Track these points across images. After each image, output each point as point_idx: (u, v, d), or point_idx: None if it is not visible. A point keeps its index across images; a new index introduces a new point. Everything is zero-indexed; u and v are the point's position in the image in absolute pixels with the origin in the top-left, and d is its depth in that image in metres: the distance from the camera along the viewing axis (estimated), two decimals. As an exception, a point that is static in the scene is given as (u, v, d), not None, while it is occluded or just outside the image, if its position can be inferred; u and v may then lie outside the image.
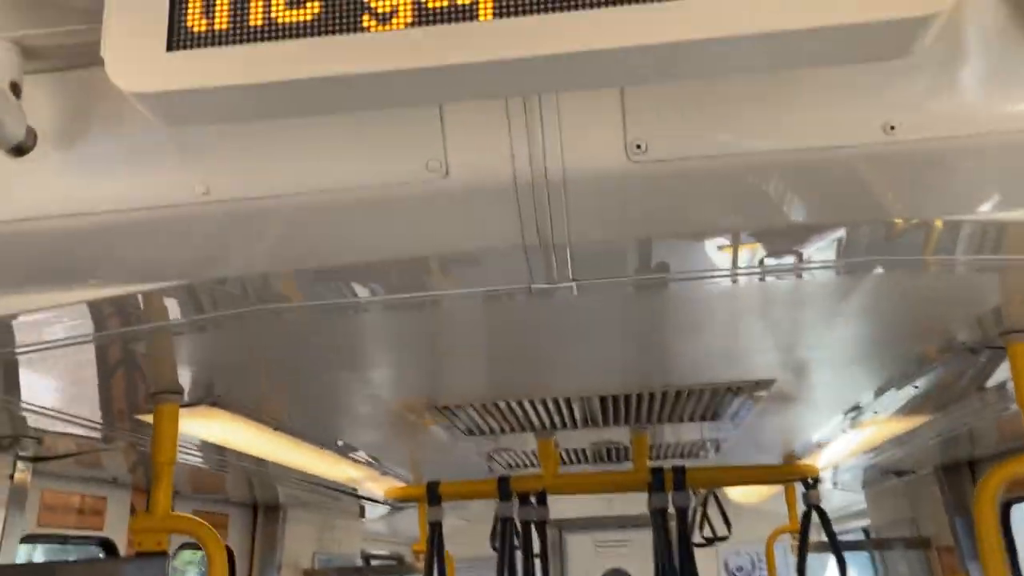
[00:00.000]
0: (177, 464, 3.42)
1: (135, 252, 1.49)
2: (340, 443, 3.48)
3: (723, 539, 5.87)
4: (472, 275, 1.65)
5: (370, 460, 3.94)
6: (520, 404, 3.08)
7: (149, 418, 2.54)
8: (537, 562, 3.70)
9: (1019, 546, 4.32)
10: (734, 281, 1.80)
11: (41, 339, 1.82)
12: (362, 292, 1.70)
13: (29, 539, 2.99)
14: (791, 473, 3.87)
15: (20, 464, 2.79)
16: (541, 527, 3.72)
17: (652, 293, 1.86)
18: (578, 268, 1.64)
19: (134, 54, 0.98)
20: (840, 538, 6.86)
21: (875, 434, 3.93)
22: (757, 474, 4.12)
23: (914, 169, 1.38)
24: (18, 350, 1.86)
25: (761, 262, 1.70)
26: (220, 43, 0.98)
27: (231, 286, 1.65)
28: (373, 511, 5.94)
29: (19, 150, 1.30)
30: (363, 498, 5.02)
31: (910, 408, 3.25)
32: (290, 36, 0.98)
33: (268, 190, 1.36)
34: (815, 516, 3.82)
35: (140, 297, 1.59)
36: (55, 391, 2.25)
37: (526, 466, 4.52)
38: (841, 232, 1.59)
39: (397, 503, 4.45)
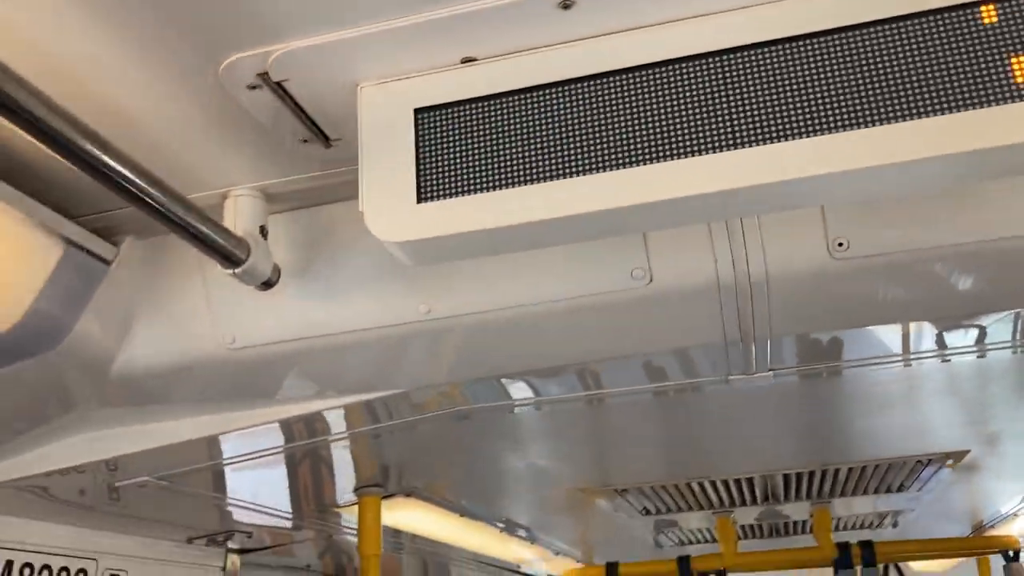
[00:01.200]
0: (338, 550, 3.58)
1: (358, 367, 1.62)
2: (516, 525, 3.54)
3: (911, 614, 5.55)
4: (676, 370, 1.70)
5: (540, 539, 3.98)
6: (697, 484, 3.08)
7: (344, 511, 2.70)
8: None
9: None
10: (907, 365, 1.80)
11: (245, 451, 1.97)
12: (556, 391, 1.78)
13: (239, 626, 3.17)
14: (989, 545, 3.65)
15: (231, 556, 2.98)
16: (727, 610, 3.65)
17: (828, 379, 1.87)
18: (775, 359, 1.67)
19: (389, 207, 1.10)
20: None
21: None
22: (951, 546, 3.91)
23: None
24: (228, 460, 2.02)
25: (942, 344, 1.69)
26: (462, 193, 1.09)
27: (434, 392, 1.76)
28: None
29: (267, 284, 1.45)
30: (534, 577, 5.05)
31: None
32: (516, 184, 1.08)
33: (483, 306, 1.46)
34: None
35: (344, 409, 1.72)
36: (260, 491, 2.42)
37: (698, 542, 4.45)
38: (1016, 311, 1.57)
39: None
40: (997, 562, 4.07)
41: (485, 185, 1.09)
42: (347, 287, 1.51)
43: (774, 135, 1.03)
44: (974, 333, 1.67)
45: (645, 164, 1.06)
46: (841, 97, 1.01)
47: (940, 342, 1.69)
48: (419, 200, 1.10)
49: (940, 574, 6.47)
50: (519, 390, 1.74)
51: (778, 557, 3.82)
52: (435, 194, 1.10)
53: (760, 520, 4.04)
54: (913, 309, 1.52)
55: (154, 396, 1.70)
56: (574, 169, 1.08)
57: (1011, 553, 3.50)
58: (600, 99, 1.09)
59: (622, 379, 1.74)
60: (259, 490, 2.42)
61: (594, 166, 1.07)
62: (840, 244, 1.38)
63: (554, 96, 1.10)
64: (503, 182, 1.08)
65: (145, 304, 1.59)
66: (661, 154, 1.06)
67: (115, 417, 1.77)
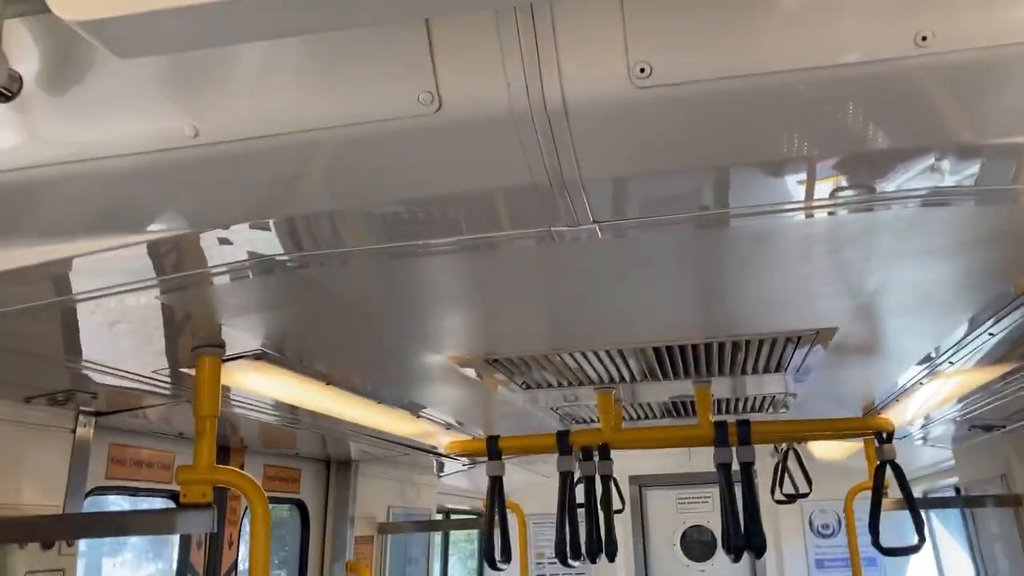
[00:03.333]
0: (247, 420, 3.49)
1: (130, 199, 1.47)
2: (406, 400, 3.48)
3: (804, 496, 5.73)
4: (484, 219, 1.58)
5: (438, 417, 3.94)
6: (580, 355, 3.01)
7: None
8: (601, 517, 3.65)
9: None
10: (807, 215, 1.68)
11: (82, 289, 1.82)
12: (373, 238, 1.65)
13: (97, 491, 3.09)
14: (862, 427, 3.70)
15: (82, 418, 2.86)
16: (605, 481, 3.67)
17: (691, 232, 1.76)
18: (596, 208, 1.55)
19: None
20: (932, 496, 6.61)
21: (958, 386, 3.72)
22: (826, 428, 3.96)
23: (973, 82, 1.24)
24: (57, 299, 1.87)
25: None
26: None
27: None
28: (451, 466, 5.99)
29: (4, 96, 1.28)
30: (435, 454, 5.06)
31: (996, 357, 3.05)
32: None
33: (253, 131, 1.31)
34: (891, 474, 3.65)
35: (147, 246, 1.57)
36: (107, 345, 2.28)
37: (594, 421, 4.46)
38: (921, 160, 1.46)
39: (462, 457, 4.45)
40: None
41: (182, -43, 0.92)
42: (106, 102, 1.34)
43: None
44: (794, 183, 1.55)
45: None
46: None
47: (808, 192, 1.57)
48: (108, -27, 0.93)
49: (840, 460, 6.67)
50: (314, 235, 1.60)
51: (658, 434, 3.83)
52: (127, -33, 0.93)
53: (650, 400, 4.04)
54: (731, 149, 1.40)
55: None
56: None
57: (884, 435, 3.55)
58: None
59: (433, 230, 1.61)
60: (103, 343, 2.28)
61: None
62: (642, 70, 1.25)
63: None
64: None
65: None
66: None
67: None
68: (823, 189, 1.55)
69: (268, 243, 1.66)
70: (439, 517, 6.87)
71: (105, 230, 1.55)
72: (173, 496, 3.58)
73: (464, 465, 6.04)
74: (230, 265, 1.75)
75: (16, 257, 1.54)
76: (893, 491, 4.36)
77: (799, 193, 1.55)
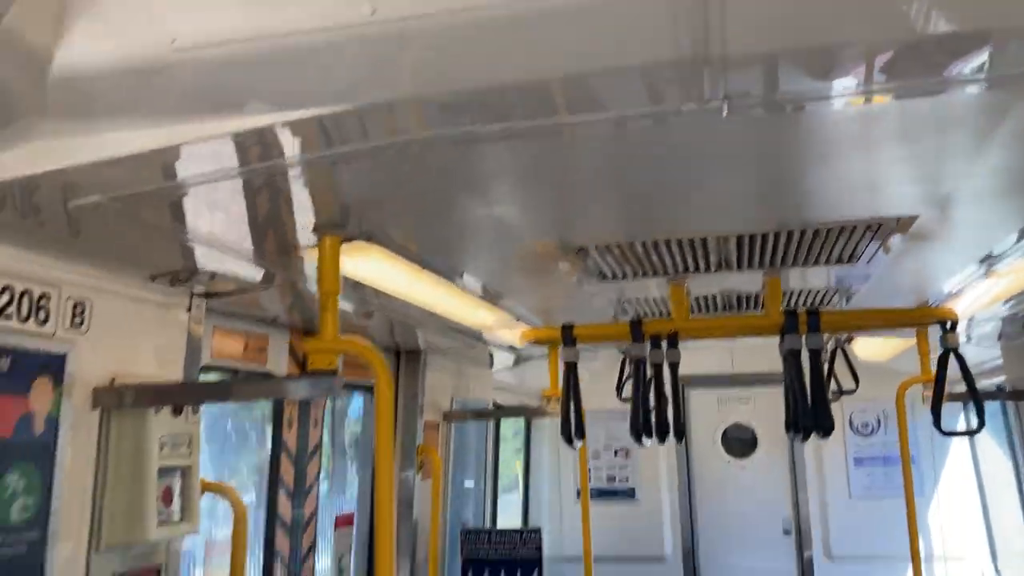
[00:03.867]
0: (304, 300, 3.66)
1: (306, 78, 1.59)
2: (485, 289, 3.63)
3: (850, 392, 5.91)
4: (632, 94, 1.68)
5: (505, 306, 4.10)
6: (654, 245, 3.13)
7: (307, 256, 2.74)
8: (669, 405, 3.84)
9: None
10: (868, 101, 1.77)
11: (199, 171, 1.95)
12: (490, 124, 1.76)
13: (205, 369, 3.30)
14: (929, 316, 3.82)
15: (195, 300, 3.05)
16: (673, 369, 3.84)
17: (786, 117, 1.86)
18: (733, 84, 1.65)
19: None
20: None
21: (1014, 282, 3.82)
22: (893, 317, 4.10)
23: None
24: (183, 183, 2.01)
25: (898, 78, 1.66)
26: None
27: (367, 117, 1.73)
28: (501, 360, 6.23)
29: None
30: (496, 345, 5.26)
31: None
32: None
33: (432, 6, 1.43)
34: (953, 362, 3.78)
35: (289, 128, 1.69)
36: (219, 226, 2.44)
37: (655, 315, 4.62)
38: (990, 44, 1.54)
39: (530, 347, 4.63)
40: (935, 339, 4.29)
41: None
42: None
43: None
44: (929, 69, 1.64)
45: None
46: None
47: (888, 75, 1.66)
48: None
49: (885, 361, 6.82)
50: (477, 115, 1.72)
51: (727, 323, 3.98)
52: None
53: (716, 292, 4.18)
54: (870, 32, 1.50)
55: (100, 104, 1.68)
56: None
57: (948, 324, 3.67)
58: None
59: (582, 103, 1.72)
60: (218, 225, 2.43)
61: None
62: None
63: None
64: None
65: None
66: None
67: (64, 130, 1.75)
68: (904, 71, 1.63)
69: (406, 124, 1.78)
70: (492, 410, 7.15)
71: (258, 109, 1.67)
72: (266, 376, 3.80)
73: (511, 362, 6.28)
74: (366, 147, 1.88)
75: (207, 129, 1.68)
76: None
77: (882, 78, 1.64)
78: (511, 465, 8.93)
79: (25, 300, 2.32)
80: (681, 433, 3.83)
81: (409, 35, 1.47)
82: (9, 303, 2.27)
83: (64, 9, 1.53)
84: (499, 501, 7.63)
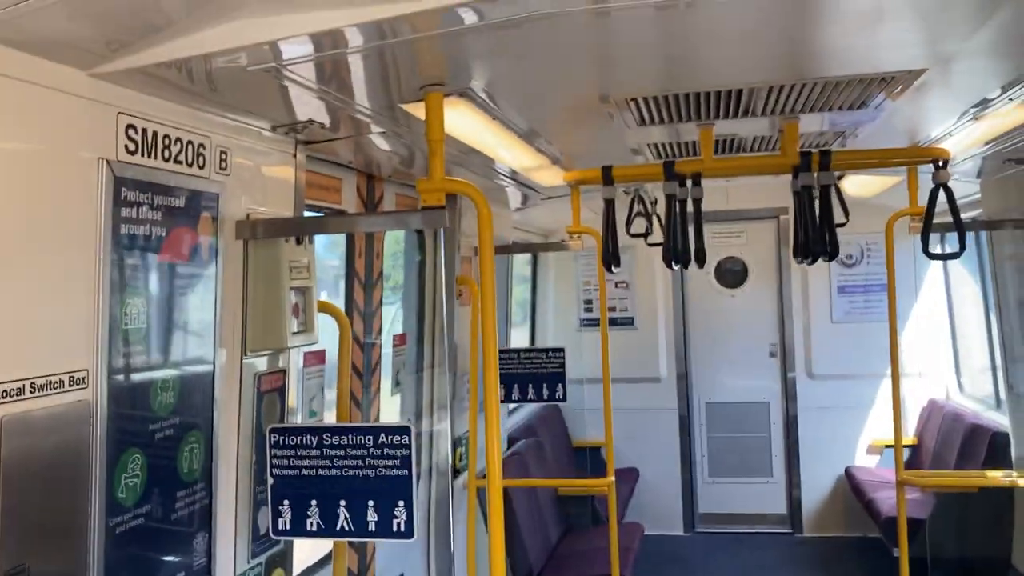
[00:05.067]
0: (375, 149, 4.12)
1: None
2: (535, 134, 4.08)
3: (841, 225, 6.49)
4: None
5: (544, 148, 4.58)
6: (686, 96, 3.61)
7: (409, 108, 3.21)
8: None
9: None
10: None
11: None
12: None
13: (306, 207, 3.81)
14: (926, 154, 4.35)
15: (299, 146, 3.52)
16: (696, 204, 4.38)
17: None
18: None
19: None
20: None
21: (996, 126, 4.33)
22: (895, 156, 4.64)
23: None
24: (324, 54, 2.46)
25: None
26: None
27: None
28: (514, 201, 6.76)
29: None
30: (526, 186, 5.76)
31: (1040, 96, 3.63)
32: None
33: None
34: (942, 196, 4.34)
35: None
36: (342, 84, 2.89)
37: (675, 157, 5.12)
38: None
39: (547, 189, 5.09)
40: (924, 179, 4.85)
41: None
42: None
43: None
44: None
45: None
46: None
47: None
48: None
49: (871, 196, 7.41)
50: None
51: (749, 162, 4.50)
52: None
53: (729, 137, 4.68)
54: None
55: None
56: None
57: (941, 162, 4.21)
58: None
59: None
60: (335, 84, 2.88)
61: None
62: None
63: None
64: None
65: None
66: None
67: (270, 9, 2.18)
68: None
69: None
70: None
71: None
72: (340, 213, 4.31)
73: (521, 203, 6.82)
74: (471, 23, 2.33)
75: None
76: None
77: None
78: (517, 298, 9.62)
79: (190, 148, 2.80)
80: (703, 260, 4.41)
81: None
82: (180, 151, 2.75)
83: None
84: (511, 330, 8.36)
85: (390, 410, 5.23)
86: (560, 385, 6.22)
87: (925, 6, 2.56)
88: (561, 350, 6.26)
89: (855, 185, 7.16)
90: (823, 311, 9.18)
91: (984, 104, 3.90)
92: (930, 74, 3.34)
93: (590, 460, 8.87)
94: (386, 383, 5.05)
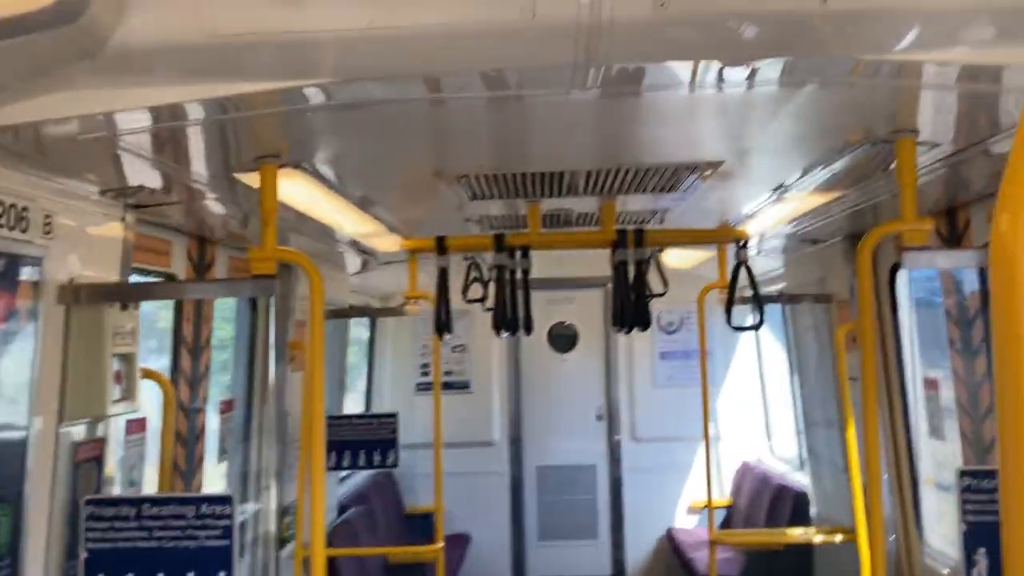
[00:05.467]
0: (207, 213, 4.14)
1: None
2: (369, 202, 4.20)
3: (660, 295, 6.95)
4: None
5: (380, 216, 4.71)
6: (518, 175, 3.86)
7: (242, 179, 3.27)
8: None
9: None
10: (691, 92, 2.55)
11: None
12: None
13: (133, 271, 3.75)
14: (728, 235, 4.77)
15: (128, 211, 3.49)
16: (525, 275, 4.62)
17: (631, 98, 2.60)
18: (605, 80, 2.35)
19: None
20: (763, 295, 8.03)
21: (797, 207, 4.83)
22: (700, 235, 5.06)
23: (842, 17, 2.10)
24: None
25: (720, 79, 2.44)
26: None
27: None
28: (352, 265, 6.84)
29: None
30: (364, 252, 5.85)
31: (827, 185, 4.09)
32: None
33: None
34: (743, 273, 4.77)
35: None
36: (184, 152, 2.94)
37: (507, 228, 5.37)
38: (784, 59, 2.33)
39: (383, 255, 5.21)
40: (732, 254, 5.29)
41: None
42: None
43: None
44: (746, 70, 2.41)
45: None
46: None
47: (720, 75, 2.43)
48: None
49: (689, 269, 7.94)
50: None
51: (573, 238, 4.79)
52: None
53: (557, 212, 4.97)
54: (706, 51, 2.23)
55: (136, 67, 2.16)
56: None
57: (741, 242, 4.63)
58: None
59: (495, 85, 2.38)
60: (170, 153, 2.92)
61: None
62: (661, 4, 2.04)
63: None
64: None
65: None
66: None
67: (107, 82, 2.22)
68: (727, 75, 2.41)
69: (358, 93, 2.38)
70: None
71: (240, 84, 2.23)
72: (169, 276, 4.26)
73: (359, 267, 6.92)
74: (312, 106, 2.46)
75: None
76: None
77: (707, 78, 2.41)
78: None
79: (12, 211, 2.75)
80: (530, 328, 4.64)
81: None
82: (2, 213, 2.70)
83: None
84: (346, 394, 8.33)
85: (216, 479, 5.11)
86: (392, 451, 6.25)
87: (721, 110, 2.90)
88: (394, 415, 6.31)
89: (675, 258, 7.66)
90: (646, 376, 9.66)
91: (783, 189, 4.34)
92: (730, 164, 3.72)
93: (423, 527, 8.86)
94: (212, 451, 4.95)
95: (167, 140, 2.72)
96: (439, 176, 3.76)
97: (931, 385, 5.03)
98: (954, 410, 4.66)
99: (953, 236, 4.52)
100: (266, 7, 2.03)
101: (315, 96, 2.36)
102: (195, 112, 2.42)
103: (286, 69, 2.21)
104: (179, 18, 2.05)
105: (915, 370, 5.28)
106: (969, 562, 2.70)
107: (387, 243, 5.26)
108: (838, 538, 5.68)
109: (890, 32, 2.17)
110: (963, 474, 2.74)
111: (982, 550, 2.67)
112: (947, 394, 4.79)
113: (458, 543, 8.97)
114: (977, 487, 2.69)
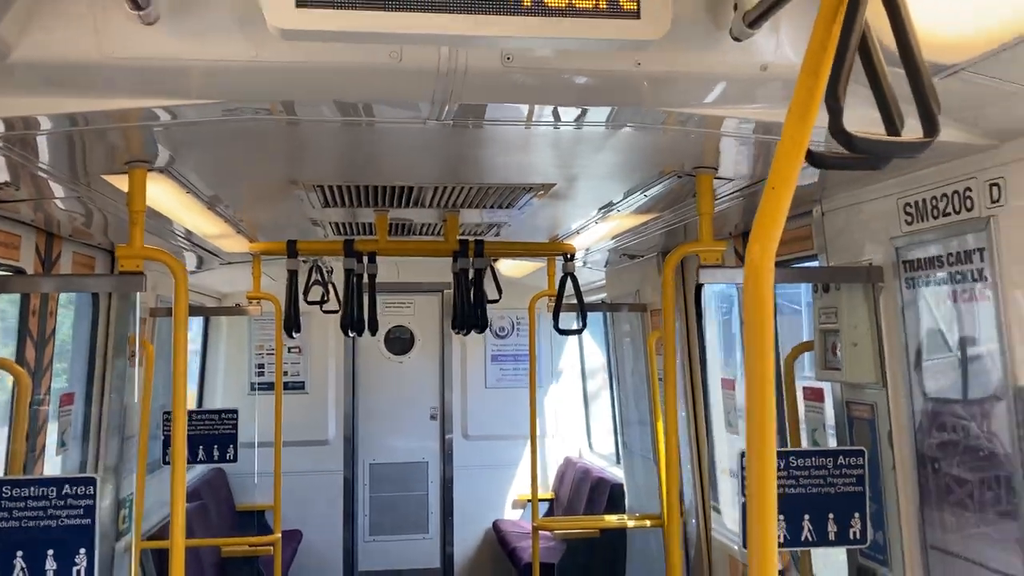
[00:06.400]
0: (56, 210, 4.24)
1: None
2: (219, 201, 4.40)
3: (494, 301, 7.42)
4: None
5: (229, 218, 4.90)
6: (367, 187, 4.19)
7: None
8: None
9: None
10: (527, 127, 2.99)
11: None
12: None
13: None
14: (557, 249, 5.28)
15: (-15, 204, 3.57)
16: (372, 279, 4.93)
17: (476, 129, 3.02)
18: (457, 115, 2.74)
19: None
20: (587, 303, 8.64)
21: (619, 226, 5.39)
22: (534, 248, 5.55)
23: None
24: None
25: (556, 117, 2.89)
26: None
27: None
28: (190, 264, 6.92)
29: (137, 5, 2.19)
30: (208, 251, 5.97)
31: (645, 208, 4.65)
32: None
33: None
34: (569, 283, 5.29)
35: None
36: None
37: (357, 233, 5.67)
38: (608, 108, 2.79)
39: (265, 255, 5.39)
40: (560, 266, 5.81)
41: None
42: (205, 28, 2.29)
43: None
44: (577, 112, 2.86)
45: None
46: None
47: (555, 115, 2.86)
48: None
49: (521, 277, 8.45)
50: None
51: (417, 246, 5.15)
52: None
53: (404, 221, 5.32)
54: (543, 96, 2.66)
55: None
56: (387, 6, 2.01)
57: (568, 255, 5.15)
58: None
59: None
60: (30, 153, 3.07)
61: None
62: (508, 58, 2.45)
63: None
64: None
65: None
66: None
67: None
68: (561, 115, 2.87)
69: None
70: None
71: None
72: (17, 270, 4.31)
73: (195, 267, 7.00)
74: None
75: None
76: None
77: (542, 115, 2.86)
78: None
79: None
80: (375, 329, 4.96)
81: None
82: None
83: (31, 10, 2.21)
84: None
85: (55, 471, 5.12)
86: (232, 446, 6.39)
87: (555, 143, 3.35)
88: (234, 411, 6.45)
89: (509, 267, 8.15)
90: (478, 377, 10.13)
91: (607, 209, 4.87)
92: (561, 187, 4.19)
93: (255, 523, 8.94)
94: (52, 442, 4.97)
95: (20, 143, 2.87)
96: (293, 183, 4.03)
97: (728, 385, 5.72)
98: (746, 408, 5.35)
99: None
100: (163, 37, 2.29)
101: (183, 113, 2.61)
102: (46, 124, 2.62)
103: (162, 89, 2.46)
104: (74, 39, 2.28)
105: (716, 373, 5.97)
106: (746, 532, 3.24)
107: (233, 244, 5.43)
108: (648, 524, 6.30)
109: (696, 91, 2.68)
110: (743, 455, 3.29)
111: (755, 517, 3.22)
112: (741, 393, 5.49)
113: (290, 539, 9.11)
114: (753, 466, 3.25)
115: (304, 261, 6.31)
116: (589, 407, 10.15)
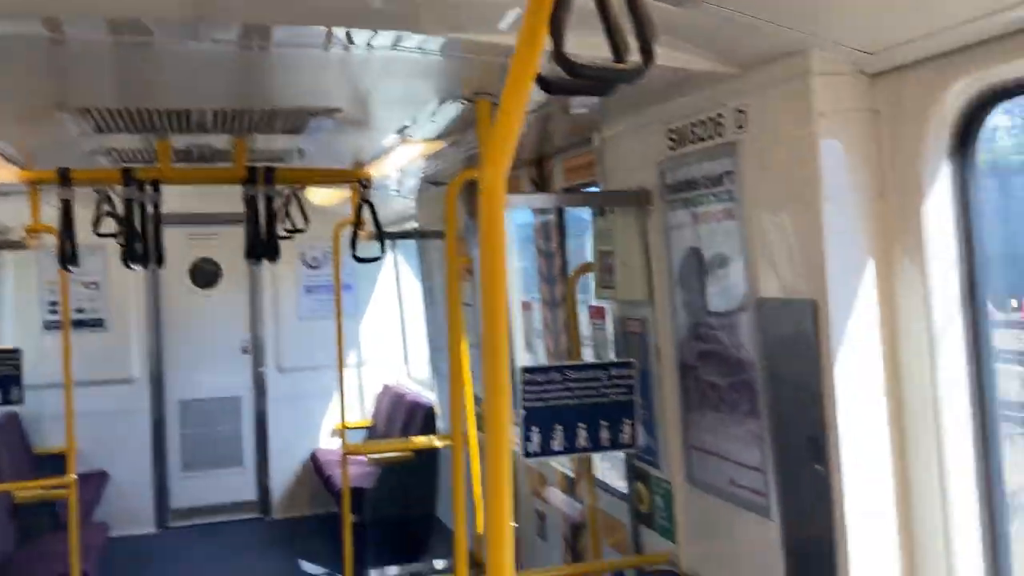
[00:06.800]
0: None
1: None
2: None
3: (301, 231, 7.28)
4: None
5: (3, 150, 4.56)
6: (146, 110, 3.98)
7: None
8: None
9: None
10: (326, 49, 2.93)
11: None
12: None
13: None
14: (351, 176, 5.23)
15: None
16: (156, 209, 4.72)
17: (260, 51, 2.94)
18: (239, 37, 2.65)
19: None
20: (399, 230, 8.63)
21: (421, 151, 5.38)
22: (327, 175, 5.47)
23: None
24: None
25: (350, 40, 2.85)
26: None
27: None
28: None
29: None
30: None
31: (443, 134, 4.66)
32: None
33: None
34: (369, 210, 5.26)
35: None
36: None
37: (139, 162, 5.38)
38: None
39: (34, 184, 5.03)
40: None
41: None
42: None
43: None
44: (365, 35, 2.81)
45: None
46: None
47: (348, 37, 2.81)
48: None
49: (330, 206, 8.33)
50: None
51: (204, 173, 4.97)
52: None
53: (192, 147, 5.10)
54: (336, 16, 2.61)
55: None
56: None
57: (364, 181, 5.11)
58: None
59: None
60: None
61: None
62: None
63: None
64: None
65: None
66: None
67: None
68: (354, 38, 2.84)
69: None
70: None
71: None
72: None
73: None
74: None
75: None
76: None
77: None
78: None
79: None
80: (161, 260, 4.77)
81: None
82: None
83: None
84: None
85: None
86: (16, 388, 6.03)
87: (341, 66, 3.30)
88: (17, 351, 6.08)
89: (321, 196, 8.00)
90: (291, 309, 9.97)
91: (403, 133, 4.84)
92: (350, 112, 4.14)
93: (54, 467, 8.50)
94: None
95: None
96: (61, 108, 3.78)
97: (526, 307, 5.91)
98: (542, 329, 5.56)
99: (542, 181, 5.35)
100: None
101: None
102: None
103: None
104: None
105: (516, 298, 6.14)
106: (526, 437, 3.41)
107: (6, 174, 5.05)
108: (451, 443, 6.46)
109: (483, 16, 2.69)
110: (524, 371, 3.43)
111: (535, 428, 3.40)
112: (537, 315, 5.69)
113: (94, 481, 8.78)
114: (532, 380, 3.40)
115: (96, 192, 5.95)
116: (407, 333, 10.21)
